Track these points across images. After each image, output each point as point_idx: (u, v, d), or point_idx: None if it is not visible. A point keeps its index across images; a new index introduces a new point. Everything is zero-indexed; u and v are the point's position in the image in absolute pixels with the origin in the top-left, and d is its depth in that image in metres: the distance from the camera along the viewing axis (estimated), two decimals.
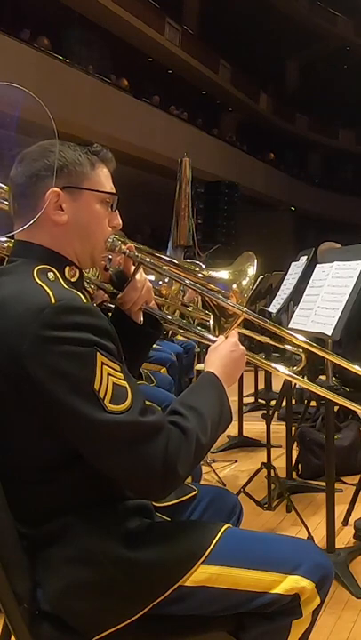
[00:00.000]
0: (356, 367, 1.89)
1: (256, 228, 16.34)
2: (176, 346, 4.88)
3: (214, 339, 1.56)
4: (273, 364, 1.71)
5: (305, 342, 1.74)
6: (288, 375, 1.71)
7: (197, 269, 1.65)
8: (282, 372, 1.71)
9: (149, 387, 3.25)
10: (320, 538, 2.76)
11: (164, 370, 4.12)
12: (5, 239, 1.51)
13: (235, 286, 1.60)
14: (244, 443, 4.61)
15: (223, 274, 1.63)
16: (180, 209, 8.14)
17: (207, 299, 1.62)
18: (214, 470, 3.79)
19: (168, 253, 7.84)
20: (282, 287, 4.29)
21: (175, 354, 4.56)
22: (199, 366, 4.86)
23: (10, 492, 1.25)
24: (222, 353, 1.48)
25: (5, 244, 1.52)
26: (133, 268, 1.62)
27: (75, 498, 1.29)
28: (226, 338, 1.54)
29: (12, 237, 1.39)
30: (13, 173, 1.37)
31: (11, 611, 1.22)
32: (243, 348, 1.52)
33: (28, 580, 1.26)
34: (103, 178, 1.41)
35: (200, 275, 1.62)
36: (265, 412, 3.47)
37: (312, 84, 24.47)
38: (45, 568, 1.27)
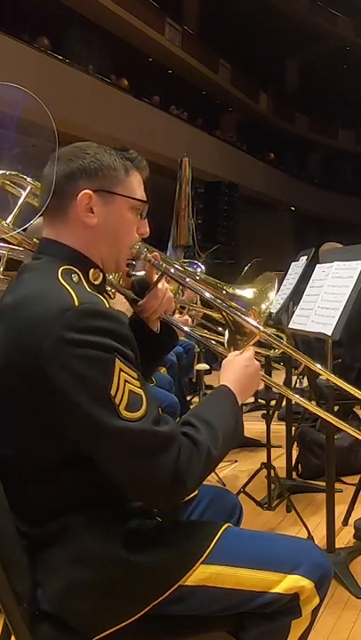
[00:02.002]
0: (319, 367, 1.93)
1: (256, 228, 16.35)
2: (176, 346, 4.87)
3: (228, 354, 1.55)
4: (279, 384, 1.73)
5: (310, 362, 1.76)
6: (294, 396, 1.74)
7: (222, 286, 1.66)
8: (290, 393, 1.74)
9: (149, 387, 3.25)
10: (320, 538, 2.76)
11: (164, 370, 4.13)
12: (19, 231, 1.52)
13: (253, 307, 1.61)
14: (244, 443, 4.60)
15: (247, 292, 1.64)
16: (180, 209, 8.14)
17: (224, 314, 1.62)
18: (214, 470, 3.78)
19: (168, 253, 7.85)
20: (282, 287, 4.28)
21: (175, 354, 4.56)
22: (199, 366, 4.86)
23: (10, 492, 1.25)
24: (236, 367, 1.48)
25: (32, 240, 1.52)
26: (156, 276, 1.61)
27: (75, 498, 1.29)
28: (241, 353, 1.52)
29: (25, 229, 1.39)
30: (47, 171, 1.36)
31: (11, 611, 1.22)
32: (258, 363, 1.51)
33: (28, 580, 1.26)
34: (136, 184, 1.41)
35: (224, 291, 1.63)
36: (265, 412, 3.47)
37: (312, 84, 24.47)
38: (45, 568, 1.27)
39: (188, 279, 1.64)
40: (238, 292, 1.64)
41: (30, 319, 1.21)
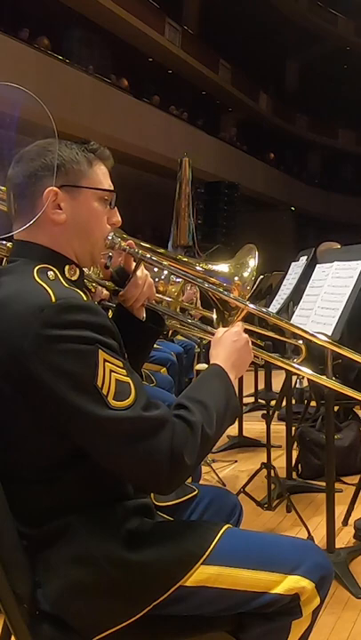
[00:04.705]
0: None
1: (256, 228, 16.33)
2: (176, 346, 4.88)
3: (215, 331, 1.54)
4: (274, 355, 1.70)
5: (309, 334, 1.73)
6: (292, 366, 1.71)
7: (197, 263, 1.64)
8: (283, 364, 1.71)
9: (149, 387, 3.25)
10: (320, 538, 2.76)
11: (164, 370, 4.13)
12: (4, 240, 1.52)
13: (236, 279, 1.60)
14: (244, 443, 4.61)
15: (223, 267, 1.63)
16: (180, 209, 8.13)
17: (210, 293, 1.61)
18: (214, 470, 3.79)
19: None
20: (282, 287, 4.29)
21: (175, 354, 4.56)
22: (199, 366, 4.85)
23: (10, 492, 1.25)
24: (225, 343, 1.47)
25: (5, 246, 1.52)
26: (134, 264, 1.62)
27: (75, 498, 1.29)
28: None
29: (11, 238, 1.39)
30: (11, 173, 1.37)
31: (11, 611, 1.22)
32: (246, 336, 1.50)
33: (28, 580, 1.26)
34: (101, 175, 1.40)
35: (199, 268, 1.62)
36: (265, 412, 3.47)
37: (312, 84, 24.46)
38: (46, 568, 1.27)
39: (165, 262, 1.64)
40: (215, 267, 1.63)
41: (10, 320, 1.21)
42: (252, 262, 1.61)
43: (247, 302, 1.57)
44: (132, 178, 14.45)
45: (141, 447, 1.20)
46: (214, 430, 1.30)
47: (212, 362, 1.46)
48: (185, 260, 1.65)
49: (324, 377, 1.84)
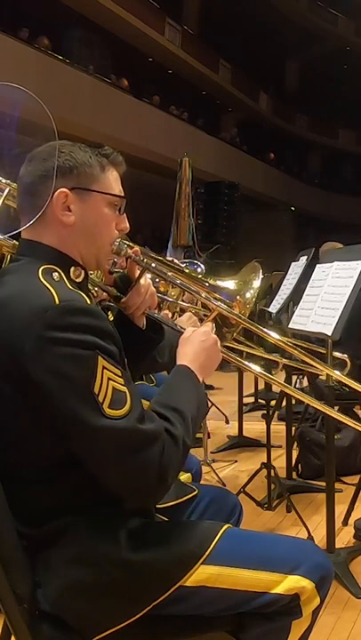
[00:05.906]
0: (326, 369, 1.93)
1: (256, 228, 16.35)
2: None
3: (183, 330, 1.53)
4: (248, 364, 1.72)
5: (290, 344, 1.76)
6: (265, 376, 1.75)
7: (204, 278, 1.65)
8: (257, 371, 1.75)
9: (150, 387, 3.25)
10: (320, 538, 2.76)
11: None
12: (7, 237, 1.51)
13: (238, 297, 1.61)
14: (244, 443, 4.61)
15: (229, 284, 1.64)
16: (180, 209, 8.14)
17: (210, 307, 1.62)
18: (214, 470, 3.79)
19: (168, 253, 7.84)
20: (282, 287, 4.29)
21: None
22: None
23: (10, 492, 1.25)
24: (193, 343, 1.45)
25: (11, 242, 1.52)
26: (138, 272, 1.61)
27: (75, 498, 1.29)
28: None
29: (17, 235, 1.39)
30: (22, 172, 1.37)
31: (11, 611, 1.22)
32: (215, 337, 1.48)
33: (28, 580, 1.26)
34: (112, 181, 1.40)
35: (206, 284, 1.63)
36: (265, 412, 3.47)
37: (312, 84, 24.46)
38: (45, 568, 1.27)
39: (169, 273, 1.64)
40: (221, 283, 1.64)
41: (13, 320, 1.21)
42: (256, 283, 1.62)
43: (245, 318, 1.57)
44: (133, 178, 14.37)
45: (132, 459, 1.20)
46: (191, 438, 1.31)
47: (179, 362, 1.43)
48: (191, 273, 1.66)
49: (313, 399, 1.88)
